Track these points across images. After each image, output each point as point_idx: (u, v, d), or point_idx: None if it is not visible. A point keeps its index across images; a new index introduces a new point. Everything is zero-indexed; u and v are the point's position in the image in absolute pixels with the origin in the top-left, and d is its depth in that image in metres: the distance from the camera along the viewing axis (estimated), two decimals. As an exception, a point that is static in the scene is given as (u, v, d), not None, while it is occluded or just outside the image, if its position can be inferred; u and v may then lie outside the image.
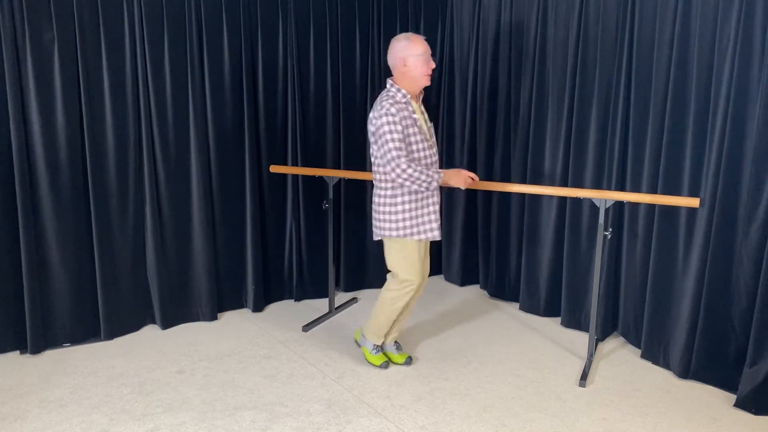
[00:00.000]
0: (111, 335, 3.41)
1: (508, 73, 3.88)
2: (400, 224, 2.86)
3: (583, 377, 2.97)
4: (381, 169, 2.84)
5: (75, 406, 2.72)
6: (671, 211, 3.04)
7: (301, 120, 3.89)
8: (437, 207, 2.93)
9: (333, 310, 3.82)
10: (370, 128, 2.83)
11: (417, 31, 4.26)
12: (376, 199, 2.91)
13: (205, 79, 3.53)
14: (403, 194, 2.84)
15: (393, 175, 2.75)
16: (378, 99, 2.86)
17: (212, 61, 3.53)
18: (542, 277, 3.79)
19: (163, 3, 3.33)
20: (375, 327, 3.08)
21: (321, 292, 4.07)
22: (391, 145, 2.73)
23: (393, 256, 2.95)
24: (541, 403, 2.78)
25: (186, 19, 3.41)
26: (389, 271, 3.04)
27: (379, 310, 3.04)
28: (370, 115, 2.84)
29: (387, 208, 2.87)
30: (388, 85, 2.88)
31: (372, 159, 2.91)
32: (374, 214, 2.94)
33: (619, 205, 3.35)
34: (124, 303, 3.46)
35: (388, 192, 2.86)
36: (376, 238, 2.98)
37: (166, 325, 3.57)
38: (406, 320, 3.31)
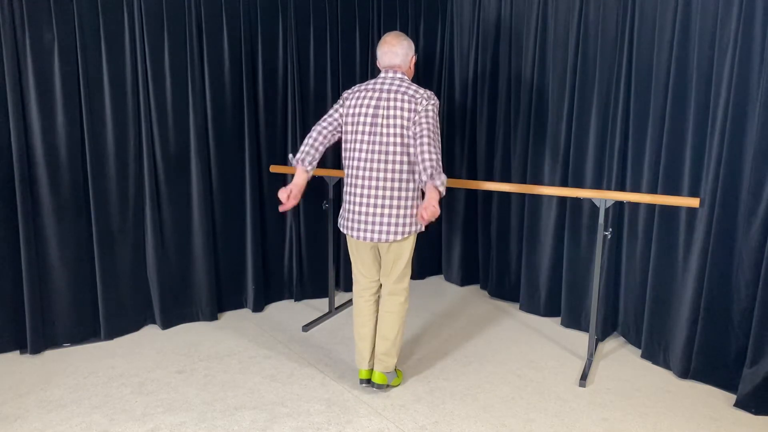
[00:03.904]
0: (111, 335, 3.41)
1: (508, 73, 3.88)
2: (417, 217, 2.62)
3: (583, 377, 2.97)
4: (429, 155, 2.50)
5: (75, 406, 2.72)
6: (671, 211, 3.04)
7: (301, 120, 3.89)
8: None
9: (333, 310, 3.82)
10: (408, 108, 2.55)
11: (417, 31, 4.27)
12: (405, 194, 2.62)
13: (205, 79, 3.53)
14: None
15: (437, 158, 2.52)
16: (402, 83, 2.62)
17: (212, 61, 3.53)
18: (542, 277, 3.79)
19: (163, 3, 3.33)
20: (398, 348, 2.82)
21: (321, 292, 4.06)
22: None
23: (407, 256, 2.75)
24: (541, 403, 2.78)
25: (186, 19, 3.41)
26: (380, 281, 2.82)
27: (397, 326, 2.78)
28: (401, 93, 2.58)
29: (417, 201, 2.67)
30: (406, 80, 2.65)
31: (394, 144, 2.58)
32: (400, 210, 2.63)
33: (619, 205, 3.35)
34: (124, 303, 3.45)
35: (412, 185, 2.64)
36: (401, 237, 2.65)
37: (166, 325, 3.57)
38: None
